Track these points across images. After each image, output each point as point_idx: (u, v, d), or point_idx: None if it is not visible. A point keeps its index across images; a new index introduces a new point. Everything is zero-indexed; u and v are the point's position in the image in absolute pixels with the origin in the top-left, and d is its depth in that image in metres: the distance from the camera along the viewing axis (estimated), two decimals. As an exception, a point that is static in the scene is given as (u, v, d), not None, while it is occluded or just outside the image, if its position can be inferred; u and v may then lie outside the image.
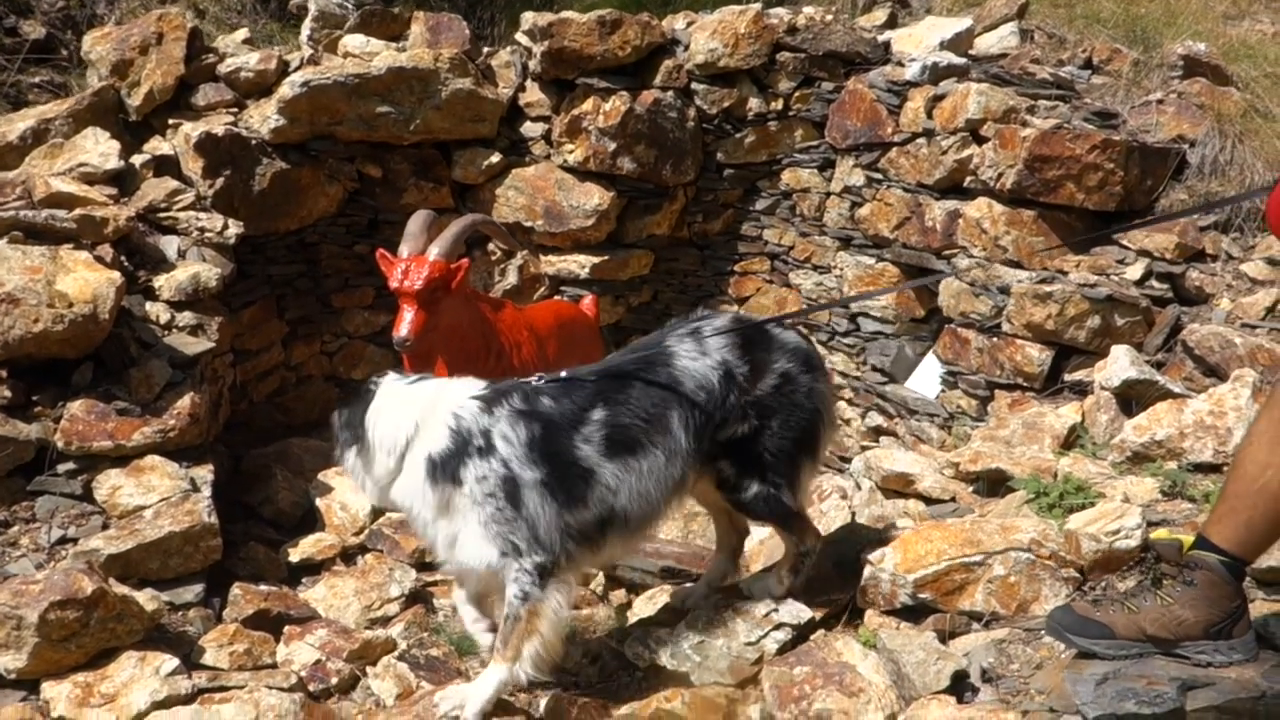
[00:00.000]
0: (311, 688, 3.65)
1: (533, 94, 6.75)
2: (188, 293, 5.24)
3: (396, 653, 3.82)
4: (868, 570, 3.43)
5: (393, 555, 4.89)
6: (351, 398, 3.35)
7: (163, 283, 5.23)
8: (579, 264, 6.84)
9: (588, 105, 6.59)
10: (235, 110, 6.33)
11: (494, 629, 3.34)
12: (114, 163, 5.59)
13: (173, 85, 6.15)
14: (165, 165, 5.91)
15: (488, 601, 3.46)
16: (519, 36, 6.79)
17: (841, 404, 6.83)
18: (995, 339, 5.48)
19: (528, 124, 6.81)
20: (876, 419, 6.48)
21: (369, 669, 3.77)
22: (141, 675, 3.45)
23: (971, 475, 4.31)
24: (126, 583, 3.88)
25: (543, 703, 3.22)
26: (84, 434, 4.40)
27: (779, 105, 6.80)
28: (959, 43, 6.40)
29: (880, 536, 3.68)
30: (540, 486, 3.10)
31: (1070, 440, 4.50)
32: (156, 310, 5.12)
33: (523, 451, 3.11)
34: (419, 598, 4.56)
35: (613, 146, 6.59)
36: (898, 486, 4.47)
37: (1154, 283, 5.19)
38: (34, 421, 4.40)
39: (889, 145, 6.26)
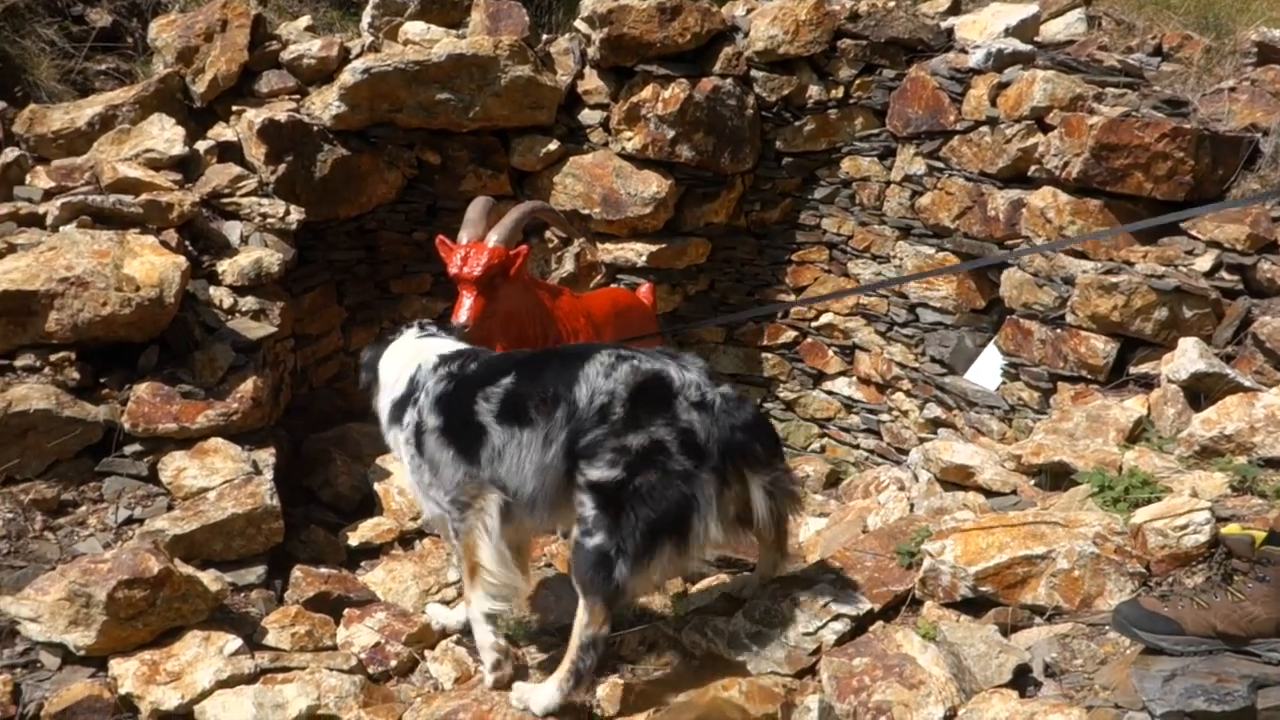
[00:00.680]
0: (371, 670, 3.69)
1: (591, 81, 6.75)
2: (250, 278, 5.30)
3: (454, 637, 3.84)
4: (927, 562, 3.40)
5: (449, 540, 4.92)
6: (378, 342, 3.87)
7: (226, 267, 5.30)
8: (636, 252, 6.83)
9: (647, 93, 6.57)
10: (297, 97, 6.39)
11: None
12: (179, 149, 5.67)
13: (236, 72, 6.22)
14: (229, 151, 5.99)
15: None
16: (578, 23, 6.78)
17: (899, 395, 6.78)
18: (1059, 330, 5.40)
19: (586, 111, 6.81)
20: (935, 410, 6.41)
21: (427, 653, 3.81)
22: (206, 654, 3.50)
23: (1033, 468, 4.26)
24: (190, 563, 3.95)
25: (600, 690, 3.22)
26: (150, 416, 4.48)
27: (839, 93, 6.74)
28: (1024, 29, 6.30)
29: (940, 528, 3.65)
30: (437, 433, 3.37)
31: (1136, 434, 4.43)
32: (220, 295, 5.19)
33: (430, 403, 3.42)
34: (476, 582, 4.58)
35: (671, 134, 6.57)
36: (957, 479, 4.43)
37: (1224, 274, 5.07)
38: (102, 403, 4.48)
39: (951, 133, 6.18)
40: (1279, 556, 2.59)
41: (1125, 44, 6.27)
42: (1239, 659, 2.61)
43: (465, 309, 4.54)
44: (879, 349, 6.91)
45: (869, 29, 6.60)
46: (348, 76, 6.15)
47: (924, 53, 6.48)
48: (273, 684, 3.45)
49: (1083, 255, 5.33)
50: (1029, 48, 6.06)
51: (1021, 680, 2.89)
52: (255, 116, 6.01)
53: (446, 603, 4.38)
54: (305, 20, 6.99)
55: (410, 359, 3.63)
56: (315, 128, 6.21)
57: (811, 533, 4.90)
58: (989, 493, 4.27)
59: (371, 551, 4.92)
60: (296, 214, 5.80)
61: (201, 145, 5.90)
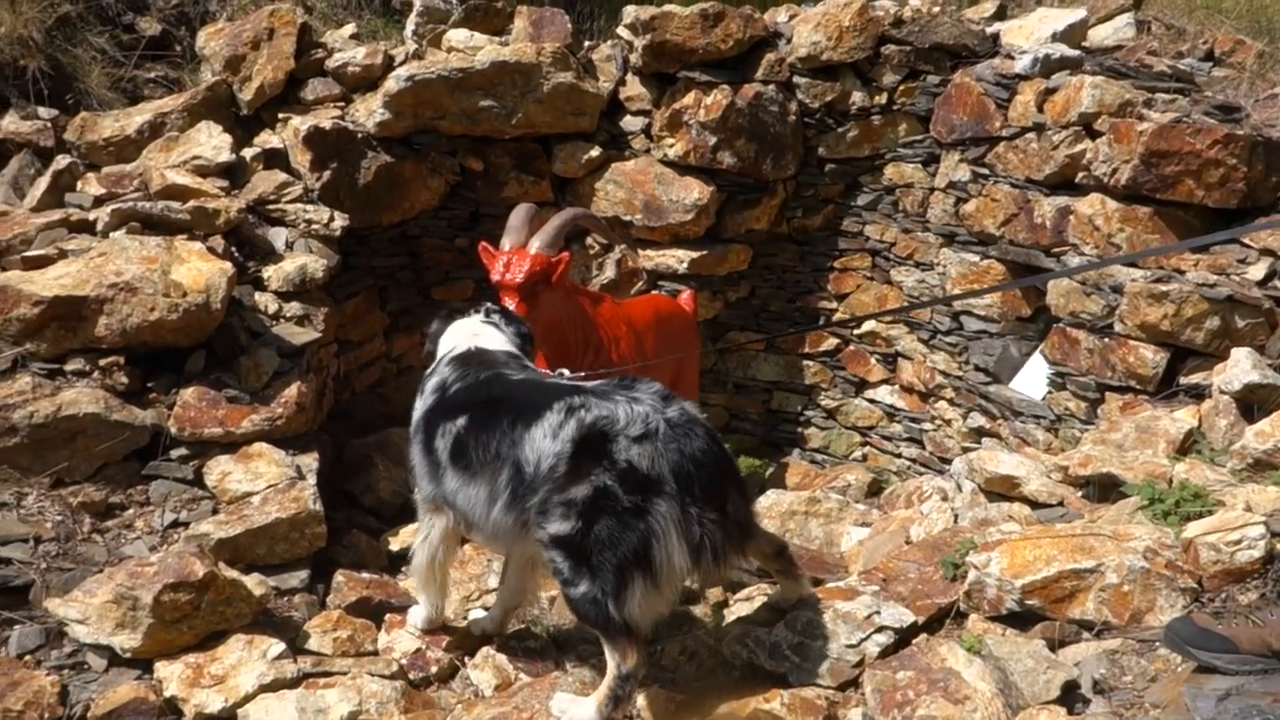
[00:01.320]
0: (412, 676, 3.70)
1: (633, 88, 6.75)
2: (295, 283, 5.35)
3: (495, 643, 3.84)
4: (972, 574, 3.37)
5: (485, 546, 4.93)
6: (447, 316, 3.99)
7: (271, 273, 5.34)
8: (677, 259, 6.82)
9: (689, 99, 6.56)
10: (342, 104, 6.44)
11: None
12: (226, 156, 5.74)
13: (282, 80, 6.28)
14: (274, 158, 6.05)
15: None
16: (620, 30, 6.79)
17: (942, 404, 6.71)
18: (1107, 339, 5.32)
19: (628, 118, 6.82)
20: (979, 420, 6.34)
21: (467, 659, 3.81)
22: (249, 658, 3.53)
23: (1081, 479, 4.20)
24: (234, 567, 3.98)
25: (640, 700, 3.21)
26: (196, 420, 4.52)
27: (883, 99, 6.69)
28: (1072, 34, 6.22)
29: (985, 540, 3.60)
30: (419, 444, 3.56)
31: (1186, 445, 4.35)
32: (265, 300, 5.24)
33: (421, 412, 3.59)
34: (517, 589, 4.58)
35: (713, 141, 6.55)
36: (1002, 489, 4.38)
37: (1278, 283, 4.98)
38: (149, 408, 4.54)
39: (996, 140, 6.11)
40: (1336, 574, 2.53)
41: (1175, 49, 6.18)
42: (1295, 679, 2.55)
43: (507, 315, 4.55)
44: (922, 357, 6.85)
45: (913, 35, 6.55)
46: (392, 84, 6.19)
47: (969, 58, 6.42)
48: (315, 689, 3.46)
49: (1132, 263, 5.25)
50: (1077, 53, 5.98)
51: (1069, 697, 2.85)
52: (301, 124, 6.06)
53: (487, 609, 4.37)
54: (350, 28, 7.05)
55: (454, 339, 3.79)
56: (359, 135, 6.25)
57: (853, 543, 4.86)
58: (1035, 504, 4.22)
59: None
60: (340, 220, 5.84)
61: (248, 152, 5.96)
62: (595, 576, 3.06)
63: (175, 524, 4.32)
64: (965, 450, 6.17)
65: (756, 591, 4.18)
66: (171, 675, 3.47)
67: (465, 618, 4.04)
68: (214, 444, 4.56)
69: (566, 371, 3.97)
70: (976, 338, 6.44)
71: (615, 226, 6.63)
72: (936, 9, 6.68)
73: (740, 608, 4.00)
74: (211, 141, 5.79)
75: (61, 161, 5.59)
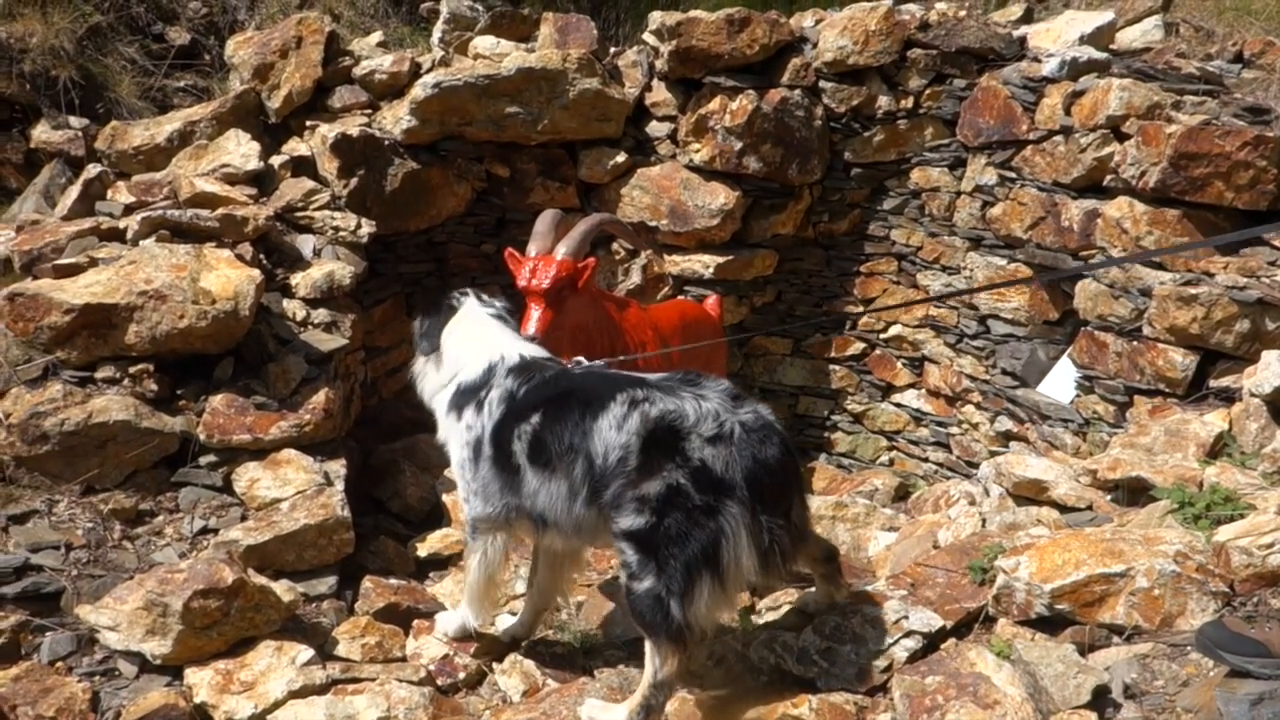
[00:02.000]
0: (440, 682, 3.71)
1: (659, 93, 6.75)
2: (323, 290, 5.38)
3: (523, 649, 3.85)
4: (1001, 579, 3.34)
5: (517, 553, 4.94)
6: (432, 309, 3.92)
7: (299, 280, 5.38)
8: (703, 264, 6.81)
9: (714, 104, 6.56)
10: (369, 112, 6.48)
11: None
12: (254, 163, 5.78)
13: (310, 88, 6.33)
14: (302, 166, 6.09)
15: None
16: (646, 36, 6.80)
17: (969, 408, 6.68)
18: (1135, 342, 5.28)
19: (653, 123, 6.82)
20: (1006, 423, 6.31)
21: (495, 665, 3.81)
22: (279, 664, 3.54)
23: (1110, 483, 4.17)
24: (263, 573, 4.01)
25: (669, 706, 3.21)
26: (224, 427, 4.55)
27: (909, 103, 6.67)
28: (1100, 37, 6.19)
29: (1014, 544, 3.58)
30: (490, 461, 3.51)
31: (1217, 449, 4.31)
32: (293, 307, 5.27)
33: (490, 427, 3.51)
34: (544, 594, 4.59)
35: (739, 146, 6.55)
36: (1030, 493, 4.35)
37: (1308, 286, 4.94)
38: (178, 415, 4.58)
39: (1023, 143, 6.08)
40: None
41: (1204, 51, 6.12)
42: (1330, 684, 2.52)
43: (533, 321, 4.56)
44: (948, 361, 6.82)
45: (939, 38, 6.53)
46: (418, 91, 6.22)
47: (995, 62, 6.40)
48: (343, 695, 3.48)
49: (1160, 266, 5.21)
50: (1104, 56, 5.95)
51: (1100, 702, 2.82)
52: (328, 131, 6.10)
53: (514, 614, 4.38)
54: (377, 36, 7.09)
55: (485, 344, 3.72)
56: (386, 142, 6.28)
57: (881, 547, 4.84)
58: (1063, 508, 4.19)
59: (440, 563, 4.95)
60: (368, 227, 5.88)
61: (276, 160, 6.00)
62: (662, 574, 3.07)
63: (205, 530, 4.35)
64: (992, 454, 6.14)
65: (784, 596, 4.17)
66: (201, 682, 3.49)
67: (493, 624, 4.05)
68: (243, 451, 4.59)
69: (584, 359, 3.95)
70: (1004, 341, 6.41)
71: (641, 232, 6.63)
72: (963, 12, 6.66)
73: (767, 612, 3.99)
74: (240, 149, 5.84)
75: (92, 170, 5.66)
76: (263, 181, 5.86)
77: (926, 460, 7.08)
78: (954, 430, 6.86)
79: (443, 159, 6.52)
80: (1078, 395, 5.77)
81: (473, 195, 6.75)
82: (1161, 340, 5.12)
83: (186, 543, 4.29)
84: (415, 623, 4.07)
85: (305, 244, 5.68)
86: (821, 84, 6.68)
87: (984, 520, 4.42)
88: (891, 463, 7.28)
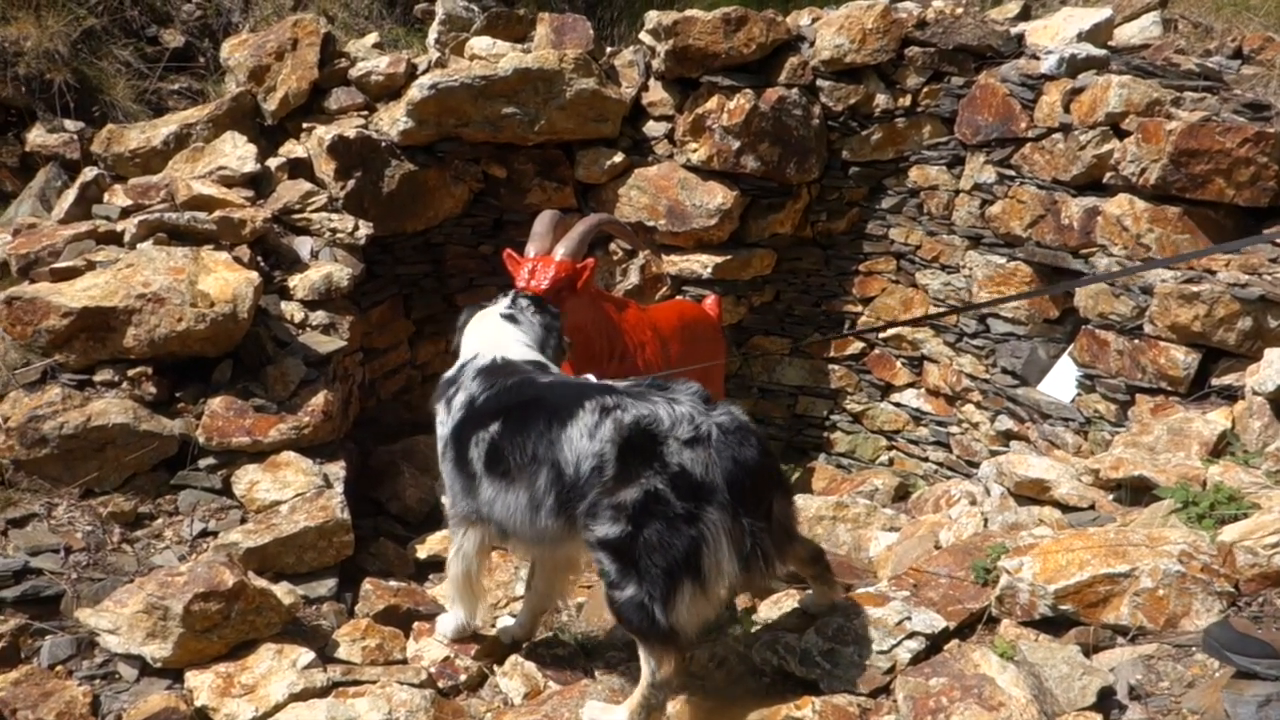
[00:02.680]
0: (441, 684, 3.69)
1: (656, 93, 6.74)
2: (320, 292, 5.36)
3: (524, 651, 3.83)
4: (1004, 579, 3.33)
5: (517, 553, 4.92)
6: (477, 305, 3.94)
7: (297, 282, 5.36)
8: (701, 263, 6.80)
9: (712, 104, 6.55)
10: (365, 113, 6.47)
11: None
12: (251, 166, 5.77)
13: (306, 90, 6.31)
14: (299, 168, 6.08)
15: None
16: (643, 35, 6.78)
17: (969, 407, 6.67)
18: (1137, 341, 5.27)
19: (650, 123, 6.81)
20: (1006, 423, 6.29)
21: (497, 667, 3.80)
22: (279, 667, 3.53)
23: (1112, 482, 4.15)
24: (263, 576, 3.99)
25: (670, 708, 3.19)
26: (224, 430, 4.54)
27: (906, 101, 6.66)
28: (1098, 34, 6.17)
29: (1016, 544, 3.57)
30: (451, 463, 3.47)
31: (1220, 447, 4.30)
32: (291, 309, 5.25)
33: (451, 427, 3.48)
34: (544, 596, 4.57)
35: (736, 145, 6.54)
36: (1032, 493, 4.34)
37: (1310, 283, 4.93)
38: (177, 417, 4.56)
39: (1022, 141, 6.07)
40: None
41: (1203, 47, 6.12)
42: (1336, 684, 2.51)
43: (533, 322, 4.54)
44: (948, 360, 6.81)
45: (937, 36, 6.52)
46: (415, 92, 6.20)
47: (993, 59, 6.39)
48: (344, 697, 3.46)
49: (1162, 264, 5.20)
50: (1103, 52, 5.93)
51: (1106, 703, 2.80)
52: (325, 133, 6.09)
53: (515, 616, 4.37)
54: (373, 37, 7.08)
55: (475, 342, 3.71)
56: (383, 143, 6.27)
57: (882, 548, 4.82)
58: (1065, 508, 4.18)
59: (439, 564, 4.91)
60: (365, 229, 5.86)
61: (273, 162, 5.99)
62: (643, 580, 3.02)
63: (204, 533, 4.33)
64: (993, 454, 6.14)
65: (786, 597, 4.15)
66: (202, 685, 3.47)
67: (493, 625, 4.03)
68: (242, 453, 4.57)
69: (592, 377, 3.93)
70: (1004, 340, 6.39)
71: (639, 232, 6.62)
72: (960, 10, 6.65)
73: (770, 613, 3.97)
74: (236, 152, 5.83)
75: (88, 173, 5.64)
76: (259, 184, 5.84)
77: (926, 460, 7.07)
78: (954, 429, 6.85)
79: (440, 160, 6.51)
80: (1079, 394, 5.76)
81: (470, 196, 6.73)
82: (1163, 338, 5.11)
83: (186, 545, 4.27)
84: (416, 625, 4.05)
85: (303, 246, 5.66)
86: (819, 83, 6.67)
87: (986, 520, 4.40)
88: (891, 462, 7.27)
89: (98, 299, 4.48)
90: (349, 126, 6.22)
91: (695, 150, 6.64)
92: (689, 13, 6.50)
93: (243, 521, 4.37)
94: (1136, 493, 4.03)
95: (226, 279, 4.76)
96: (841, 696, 3.13)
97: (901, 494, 6.37)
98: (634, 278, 6.83)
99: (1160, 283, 5.08)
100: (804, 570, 3.57)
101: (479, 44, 6.65)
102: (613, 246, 6.85)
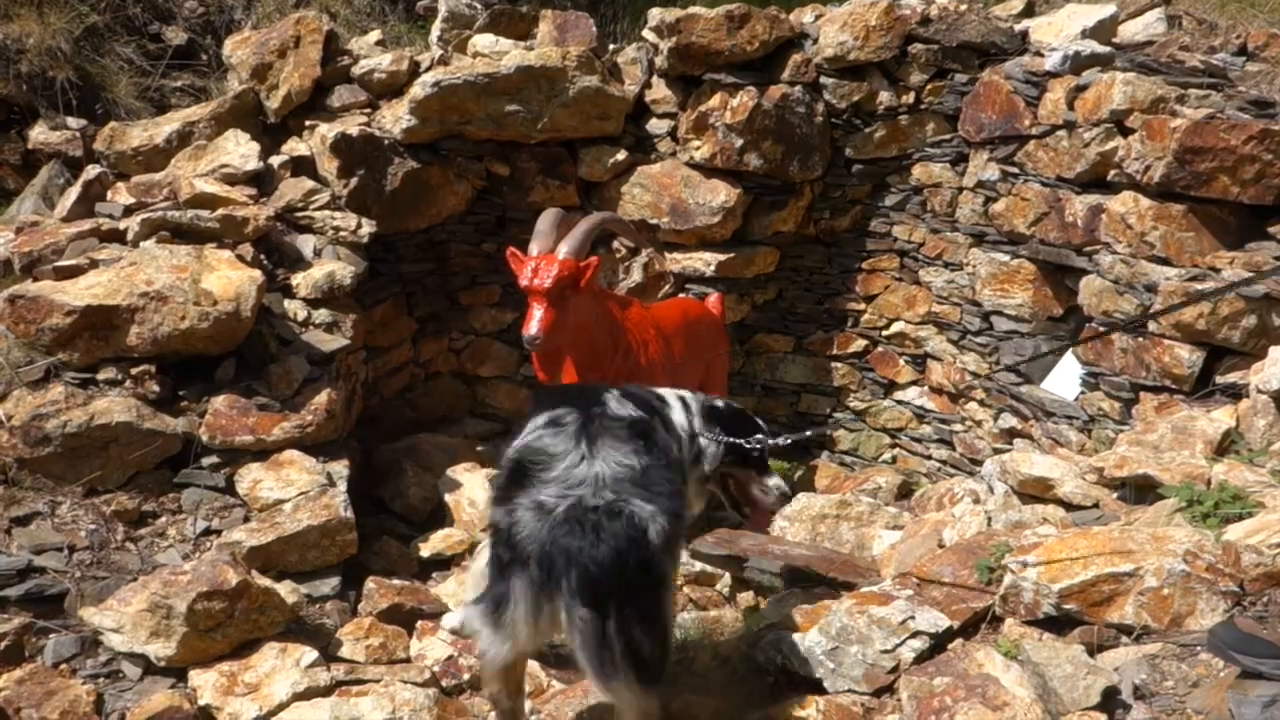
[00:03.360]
0: (444, 683, 3.70)
1: (659, 90, 6.73)
2: (324, 290, 5.36)
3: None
4: (1008, 578, 3.32)
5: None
6: None
7: (300, 281, 5.36)
8: (704, 261, 6.79)
9: (715, 101, 6.54)
10: (368, 111, 6.46)
11: None
12: (254, 164, 5.76)
13: (309, 87, 6.30)
14: (302, 166, 6.07)
15: None
16: (646, 33, 6.76)
17: (972, 405, 6.66)
18: (1141, 339, 5.26)
19: (653, 121, 6.80)
20: (1010, 421, 6.28)
21: (499, 666, 3.79)
22: (283, 666, 3.53)
23: (1116, 481, 4.15)
24: (266, 575, 3.99)
25: (673, 706, 3.19)
26: (227, 428, 4.53)
27: (910, 98, 6.64)
28: (1102, 31, 6.15)
29: (1020, 543, 3.56)
30: None
31: (1224, 446, 4.29)
32: (294, 308, 5.25)
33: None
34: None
35: (740, 143, 6.52)
36: (1036, 491, 4.33)
37: (1315, 281, 4.91)
38: (180, 416, 4.56)
39: (1026, 138, 6.05)
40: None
41: (1208, 44, 6.10)
42: (1342, 684, 2.50)
43: (535, 321, 4.55)
44: (951, 358, 6.80)
45: (940, 33, 6.50)
46: (418, 90, 6.20)
47: (997, 56, 6.36)
48: (348, 696, 3.46)
49: (1166, 261, 5.18)
50: (1107, 49, 5.91)
51: (1110, 703, 2.80)
52: (328, 131, 6.08)
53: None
54: (375, 35, 7.07)
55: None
56: (386, 141, 6.26)
57: (885, 546, 4.83)
58: (1069, 506, 4.17)
59: (443, 563, 4.94)
60: (368, 227, 5.86)
61: (275, 160, 5.98)
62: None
63: (208, 532, 4.33)
64: (996, 452, 6.12)
65: (789, 595, 4.16)
66: (206, 684, 3.48)
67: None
68: (245, 452, 4.57)
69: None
70: (1007, 338, 6.38)
71: (642, 230, 6.61)
72: (964, 7, 6.63)
73: (772, 612, 3.97)
74: (239, 150, 5.82)
75: (91, 171, 5.63)
76: (262, 182, 5.83)
77: (929, 458, 7.06)
78: (957, 427, 6.84)
79: (443, 158, 6.50)
80: (1083, 392, 5.75)
81: (473, 194, 6.73)
82: (1167, 336, 5.10)
83: (189, 544, 4.27)
84: (419, 624, 4.05)
85: (306, 244, 5.66)
86: (822, 80, 6.65)
87: (989, 519, 4.39)
88: (894, 460, 7.26)
89: (101, 297, 4.48)
90: (352, 124, 6.21)
91: (698, 148, 6.63)
92: (692, 10, 6.48)
93: (246, 520, 4.36)
94: (1141, 491, 4.02)
95: (229, 277, 4.76)
96: (845, 696, 3.14)
97: (905, 492, 6.37)
98: (637, 276, 6.82)
99: (1164, 281, 5.07)
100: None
101: (482, 41, 6.64)
102: (616, 244, 6.85)
